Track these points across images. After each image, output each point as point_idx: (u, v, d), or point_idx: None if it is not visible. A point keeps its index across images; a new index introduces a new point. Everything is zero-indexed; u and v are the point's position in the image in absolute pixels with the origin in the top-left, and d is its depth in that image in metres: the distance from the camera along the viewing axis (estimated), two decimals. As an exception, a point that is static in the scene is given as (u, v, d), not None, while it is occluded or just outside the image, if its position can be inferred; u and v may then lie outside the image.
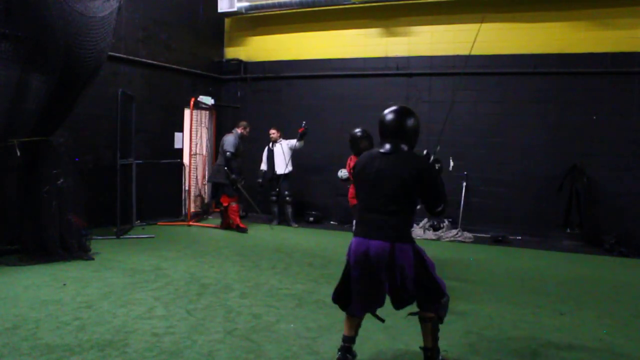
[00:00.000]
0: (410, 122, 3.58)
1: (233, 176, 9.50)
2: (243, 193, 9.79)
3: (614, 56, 9.48)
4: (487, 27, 10.15)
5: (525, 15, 10.04)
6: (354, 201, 6.63)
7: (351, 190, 7.18)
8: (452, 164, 10.21)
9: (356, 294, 3.62)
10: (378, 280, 3.49)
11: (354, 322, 3.79)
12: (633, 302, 5.93)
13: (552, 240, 9.64)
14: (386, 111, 3.65)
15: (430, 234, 9.66)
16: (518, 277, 6.94)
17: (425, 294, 3.54)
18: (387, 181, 3.43)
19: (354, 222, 3.56)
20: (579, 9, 9.72)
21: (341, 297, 3.76)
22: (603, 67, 9.52)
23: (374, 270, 3.45)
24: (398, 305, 3.64)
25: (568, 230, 9.56)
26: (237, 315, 4.94)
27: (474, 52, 10.15)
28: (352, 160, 7.05)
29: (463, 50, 10.30)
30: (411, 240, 3.48)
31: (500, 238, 9.59)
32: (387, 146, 3.54)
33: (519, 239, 9.76)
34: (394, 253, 3.36)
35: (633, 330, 4.95)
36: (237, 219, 9.72)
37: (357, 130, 7.19)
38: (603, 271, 7.58)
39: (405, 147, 3.53)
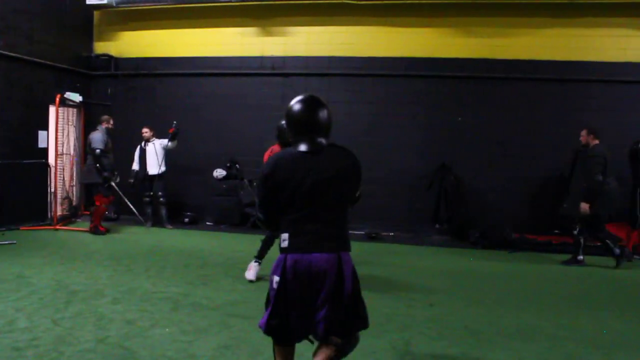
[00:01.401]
0: (325, 112, 3.06)
1: (105, 174, 9.09)
2: (118, 192, 9.40)
3: (477, 62, 10.26)
4: (361, 30, 10.60)
5: (398, 20, 10.54)
6: None
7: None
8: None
9: (295, 317, 2.93)
10: (319, 298, 2.91)
11: (291, 352, 3.15)
12: (496, 290, 6.44)
13: (423, 235, 10.21)
14: (296, 104, 3.05)
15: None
16: (391, 271, 7.27)
17: (347, 316, 2.94)
18: (327, 185, 2.91)
19: (284, 236, 2.93)
20: (446, 17, 10.39)
21: (279, 327, 2.97)
22: (467, 71, 10.27)
23: (317, 288, 2.89)
24: (330, 329, 2.92)
25: (437, 226, 10.17)
26: (109, 322, 4.76)
27: (348, 54, 10.65)
28: (272, 152, 6.38)
29: (338, 52, 10.65)
30: (348, 248, 3.03)
31: (374, 235, 9.98)
32: (309, 144, 2.98)
33: (392, 235, 10.21)
34: (341, 265, 2.90)
35: (494, 316, 5.36)
36: (98, 221, 9.32)
37: (283, 121, 6.76)
38: (469, 263, 8.14)
39: (326, 142, 3.05)
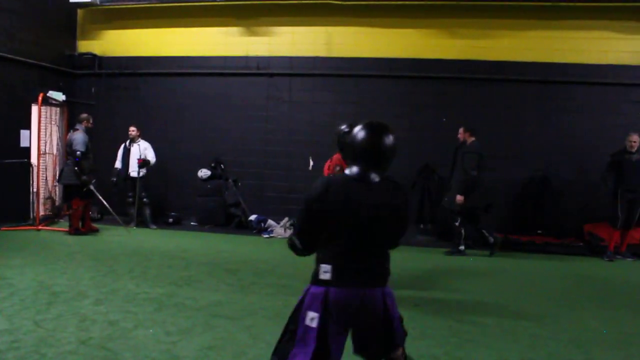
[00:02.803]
0: (392, 146, 2.84)
1: (84, 177, 9.01)
2: (96, 195, 9.31)
3: (461, 63, 10.33)
4: (345, 30, 10.63)
5: (382, 21, 10.58)
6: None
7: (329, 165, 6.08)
8: (312, 163, 10.46)
9: (336, 350, 2.70)
10: (371, 338, 2.81)
11: None
12: (479, 290, 6.49)
13: (407, 235, 10.21)
14: (367, 132, 2.80)
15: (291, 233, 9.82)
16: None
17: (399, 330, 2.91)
18: (382, 218, 2.73)
19: (326, 267, 2.69)
20: (430, 18, 10.46)
21: None
22: (451, 72, 10.34)
23: (363, 323, 2.75)
24: (378, 355, 2.88)
25: (421, 226, 10.22)
26: (92, 324, 4.72)
27: (333, 55, 10.67)
28: (332, 161, 6.11)
29: (323, 52, 10.67)
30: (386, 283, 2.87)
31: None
32: (366, 176, 2.76)
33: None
34: (385, 300, 2.77)
35: (478, 315, 5.41)
36: (77, 223, 9.24)
37: (343, 125, 5.93)
38: (453, 262, 8.20)
39: (385, 174, 2.85)
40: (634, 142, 8.59)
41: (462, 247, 8.74)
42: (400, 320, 2.91)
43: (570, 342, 4.75)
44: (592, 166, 9.48)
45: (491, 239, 8.68)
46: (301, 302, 2.74)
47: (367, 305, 2.69)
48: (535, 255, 8.94)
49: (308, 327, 2.65)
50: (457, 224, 8.68)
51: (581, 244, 9.51)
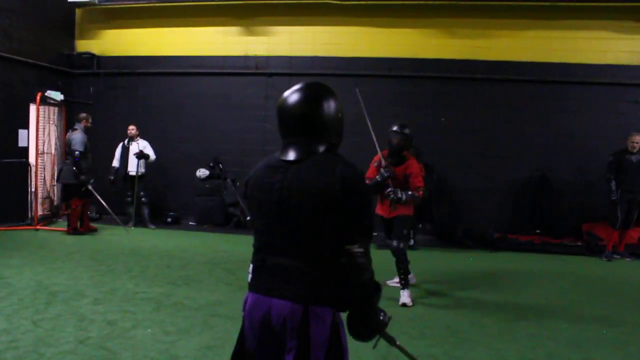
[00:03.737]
0: (329, 106, 2.19)
1: (82, 177, 9.01)
2: (94, 195, 9.30)
3: (459, 63, 10.33)
4: (345, 30, 10.62)
5: (381, 21, 10.57)
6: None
7: (369, 173, 6.21)
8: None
9: None
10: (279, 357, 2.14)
11: None
12: (478, 290, 6.49)
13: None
14: (287, 93, 2.21)
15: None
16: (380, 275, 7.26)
17: None
18: (297, 203, 2.07)
19: (250, 268, 2.23)
20: (429, 18, 10.44)
21: None
22: (450, 72, 10.33)
23: (276, 343, 2.12)
24: None
25: (420, 226, 10.20)
26: (90, 323, 4.72)
27: (332, 54, 10.67)
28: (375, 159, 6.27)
29: (322, 52, 10.66)
30: (332, 303, 2.10)
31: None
32: (293, 149, 2.16)
33: (374, 234, 10.22)
34: (307, 320, 2.03)
35: (476, 315, 5.41)
36: (75, 223, 9.22)
37: (395, 127, 6.43)
38: (452, 262, 8.19)
39: (322, 148, 2.17)
40: (636, 142, 8.59)
41: (412, 242, 9.03)
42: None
43: (569, 342, 4.75)
44: (591, 166, 9.49)
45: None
46: None
47: (273, 319, 2.10)
48: (534, 255, 8.94)
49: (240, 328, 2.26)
50: None
51: (580, 243, 9.51)
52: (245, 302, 2.22)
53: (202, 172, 10.79)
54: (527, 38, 10.20)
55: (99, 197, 9.37)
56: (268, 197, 2.14)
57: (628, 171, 8.62)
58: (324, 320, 2.07)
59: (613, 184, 8.69)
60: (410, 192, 5.81)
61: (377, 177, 5.92)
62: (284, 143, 2.21)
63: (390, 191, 5.77)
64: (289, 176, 2.11)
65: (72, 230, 9.14)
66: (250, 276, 2.22)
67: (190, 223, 10.89)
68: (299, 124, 2.16)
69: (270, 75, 10.90)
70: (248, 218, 2.15)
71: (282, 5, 10.82)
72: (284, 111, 2.19)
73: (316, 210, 2.05)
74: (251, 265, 2.21)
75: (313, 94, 2.20)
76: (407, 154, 6.16)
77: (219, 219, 10.72)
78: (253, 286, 2.20)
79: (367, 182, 5.95)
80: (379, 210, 6.22)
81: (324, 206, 2.04)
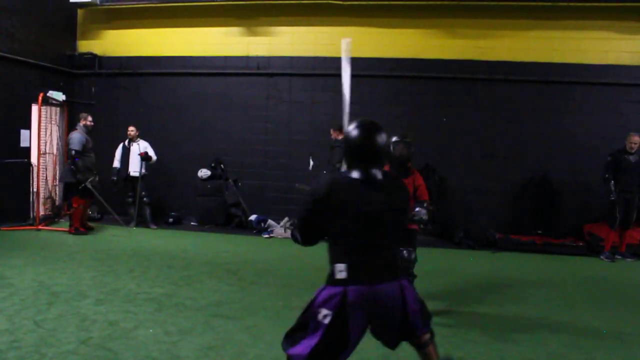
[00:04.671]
0: (383, 141, 2.92)
1: (78, 175, 9.05)
2: (94, 193, 9.32)
3: (461, 63, 10.32)
4: (346, 30, 10.61)
5: (382, 21, 10.58)
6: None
7: None
8: (312, 163, 10.47)
9: (350, 347, 2.82)
10: (389, 329, 2.93)
11: None
12: (479, 290, 6.49)
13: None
14: (361, 130, 2.89)
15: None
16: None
17: (422, 316, 3.03)
18: (390, 214, 2.84)
19: (340, 267, 2.75)
20: (430, 18, 10.44)
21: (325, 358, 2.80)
22: (452, 72, 10.34)
23: (384, 321, 2.87)
24: (395, 344, 3.07)
25: (421, 226, 10.18)
26: (92, 324, 4.73)
27: (332, 55, 10.66)
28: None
29: (323, 52, 10.66)
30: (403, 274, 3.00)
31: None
32: (375, 172, 2.87)
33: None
34: (403, 291, 2.85)
35: (477, 315, 5.41)
36: (78, 223, 9.23)
37: (394, 137, 5.99)
38: (452, 262, 8.20)
39: (381, 171, 2.93)
40: (634, 143, 8.59)
41: None
42: (421, 305, 3.04)
43: (570, 343, 4.75)
44: (592, 166, 9.48)
45: None
46: (315, 298, 2.82)
47: (384, 300, 2.77)
48: (535, 255, 8.93)
49: (319, 323, 2.75)
50: None
51: (581, 244, 9.50)
52: (335, 296, 2.73)
53: (203, 173, 10.80)
54: (528, 38, 10.20)
55: (98, 196, 9.39)
56: (369, 208, 2.77)
57: (626, 171, 8.63)
58: (408, 286, 2.90)
59: (612, 183, 8.69)
60: (425, 208, 5.55)
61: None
62: (362, 166, 2.86)
63: (417, 212, 5.49)
64: (375, 192, 2.82)
65: (74, 230, 9.15)
66: (344, 273, 2.75)
67: (192, 223, 10.89)
68: (378, 154, 2.88)
69: (272, 75, 10.91)
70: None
71: (283, 6, 10.83)
72: (367, 145, 2.87)
73: (402, 214, 2.95)
74: (342, 265, 2.76)
75: (384, 133, 2.90)
76: (409, 165, 5.91)
77: (221, 220, 10.72)
78: (354, 280, 2.74)
79: None
80: None
81: (404, 212, 2.99)
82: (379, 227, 2.79)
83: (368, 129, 2.89)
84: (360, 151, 2.87)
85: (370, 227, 2.77)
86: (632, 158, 8.63)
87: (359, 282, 2.74)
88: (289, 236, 9.28)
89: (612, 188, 8.68)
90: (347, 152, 2.94)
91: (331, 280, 2.80)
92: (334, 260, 2.81)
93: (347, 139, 2.93)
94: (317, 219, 2.86)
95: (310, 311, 2.83)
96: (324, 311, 2.74)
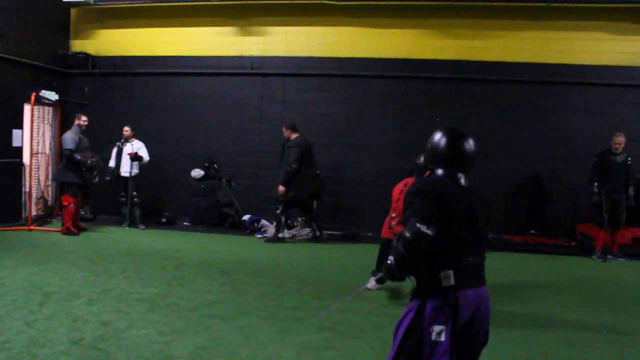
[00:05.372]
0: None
1: (89, 162, 9.21)
2: (90, 193, 9.29)
3: (455, 63, 10.35)
4: (339, 30, 10.64)
5: (376, 21, 10.60)
6: (388, 232, 6.16)
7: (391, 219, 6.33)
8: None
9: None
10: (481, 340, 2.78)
11: None
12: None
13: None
14: (463, 137, 2.85)
15: (285, 233, 9.77)
16: (367, 272, 7.21)
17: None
18: (481, 219, 2.75)
19: (445, 272, 2.52)
20: (424, 18, 10.47)
21: None
22: (445, 73, 10.36)
23: (482, 329, 2.73)
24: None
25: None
26: (84, 324, 4.70)
27: (327, 55, 10.67)
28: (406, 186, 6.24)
29: (317, 52, 10.66)
30: None
31: (351, 235, 10.01)
32: (464, 179, 2.79)
33: (370, 235, 10.22)
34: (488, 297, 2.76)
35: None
36: (70, 222, 9.17)
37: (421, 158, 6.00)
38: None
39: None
40: (619, 143, 8.66)
41: (281, 235, 9.34)
42: None
43: (564, 342, 4.76)
44: (585, 167, 9.47)
45: (317, 233, 9.59)
46: (416, 318, 2.54)
47: (484, 305, 2.68)
48: (528, 255, 8.95)
49: (436, 343, 2.47)
50: (278, 212, 9.30)
51: (574, 244, 9.54)
52: (446, 307, 2.51)
53: (197, 173, 10.77)
54: (522, 39, 10.23)
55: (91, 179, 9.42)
56: (476, 212, 2.70)
57: (612, 172, 8.70)
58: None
59: (595, 185, 8.76)
60: None
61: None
62: (461, 171, 2.79)
63: None
64: (473, 197, 2.76)
65: (66, 230, 9.10)
66: (451, 279, 2.53)
67: (185, 223, 10.86)
68: (475, 162, 2.86)
69: (266, 75, 10.91)
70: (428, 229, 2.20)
71: (277, 6, 10.82)
72: (470, 152, 2.82)
73: (487, 220, 2.86)
74: (449, 271, 2.53)
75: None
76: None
77: (214, 220, 10.70)
78: (463, 285, 2.55)
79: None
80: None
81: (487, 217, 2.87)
82: (480, 228, 2.73)
83: (469, 138, 2.85)
84: (459, 157, 2.80)
85: (474, 229, 2.69)
86: (617, 158, 8.70)
87: (466, 286, 2.57)
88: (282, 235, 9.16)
89: (596, 190, 8.74)
90: (449, 158, 2.80)
91: (429, 291, 2.56)
92: (434, 267, 2.54)
93: (454, 144, 2.83)
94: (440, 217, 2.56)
95: (415, 334, 2.53)
96: (437, 328, 2.48)
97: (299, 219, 10.20)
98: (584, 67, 10.03)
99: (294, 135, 9.35)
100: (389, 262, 2.61)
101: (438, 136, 2.87)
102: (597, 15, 9.99)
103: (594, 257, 8.79)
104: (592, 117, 10.02)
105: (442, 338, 2.46)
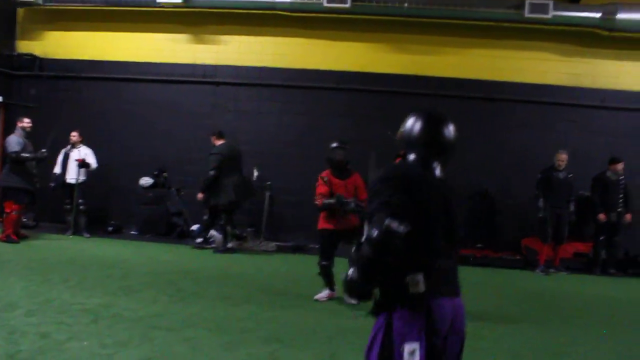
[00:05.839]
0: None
1: (40, 153, 8.98)
2: (34, 200, 8.98)
3: (407, 78, 10.52)
4: (293, 41, 10.67)
5: (330, 34, 10.70)
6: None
7: (322, 189, 6.37)
8: (256, 173, 10.38)
9: None
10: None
11: None
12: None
13: (349, 247, 10.27)
14: (443, 122, 2.59)
15: (234, 243, 9.67)
16: (316, 283, 7.20)
17: None
18: (456, 216, 2.38)
19: (418, 277, 2.12)
20: (378, 32, 10.63)
21: None
22: (397, 87, 10.51)
23: (460, 337, 2.38)
24: None
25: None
26: (22, 336, 4.51)
27: (280, 65, 10.68)
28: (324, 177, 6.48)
29: (270, 62, 10.67)
30: None
31: (300, 247, 10.01)
32: (439, 169, 2.47)
33: (317, 247, 10.21)
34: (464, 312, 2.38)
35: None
36: (11, 229, 8.83)
37: (334, 143, 6.66)
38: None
39: None
40: (562, 160, 9.00)
41: (229, 245, 9.31)
42: None
43: (510, 355, 4.84)
44: (531, 182, 9.75)
45: (228, 244, 9.30)
46: (385, 336, 2.19)
47: (460, 322, 2.31)
48: (474, 268, 9.11)
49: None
50: (222, 222, 9.37)
51: (518, 257, 9.78)
52: (417, 319, 2.13)
53: (145, 181, 10.57)
54: (472, 56, 10.50)
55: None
56: (452, 205, 2.36)
57: (555, 188, 9.02)
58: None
59: (541, 201, 9.06)
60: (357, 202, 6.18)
61: (333, 200, 6.26)
62: (437, 160, 2.46)
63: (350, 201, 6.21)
64: (447, 191, 2.42)
65: (5, 238, 8.76)
66: (422, 285, 2.13)
67: (132, 232, 10.63)
68: (453, 153, 2.55)
69: (218, 84, 10.85)
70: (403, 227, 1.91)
71: (231, 15, 10.79)
72: (449, 139, 2.52)
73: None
74: (420, 275, 2.13)
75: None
76: (348, 167, 6.56)
77: (162, 229, 10.52)
78: (437, 291, 2.18)
79: (321, 199, 6.34)
80: (327, 224, 6.42)
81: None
82: (451, 229, 2.31)
83: (448, 122, 2.58)
84: (438, 143, 2.50)
85: (445, 228, 2.28)
86: (561, 175, 9.03)
87: (439, 293, 2.19)
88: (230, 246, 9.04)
89: (541, 205, 9.03)
90: (428, 144, 2.48)
91: (396, 300, 2.18)
92: (402, 270, 2.15)
93: (434, 129, 2.52)
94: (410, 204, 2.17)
95: (386, 354, 2.15)
96: (409, 346, 2.09)
97: (248, 229, 10.14)
98: (531, 85, 10.38)
99: (218, 142, 9.40)
100: (348, 276, 2.23)
101: (415, 117, 2.52)
102: (544, 36, 10.35)
103: (537, 270, 9.04)
104: (537, 134, 10.34)
105: (417, 357, 2.08)
